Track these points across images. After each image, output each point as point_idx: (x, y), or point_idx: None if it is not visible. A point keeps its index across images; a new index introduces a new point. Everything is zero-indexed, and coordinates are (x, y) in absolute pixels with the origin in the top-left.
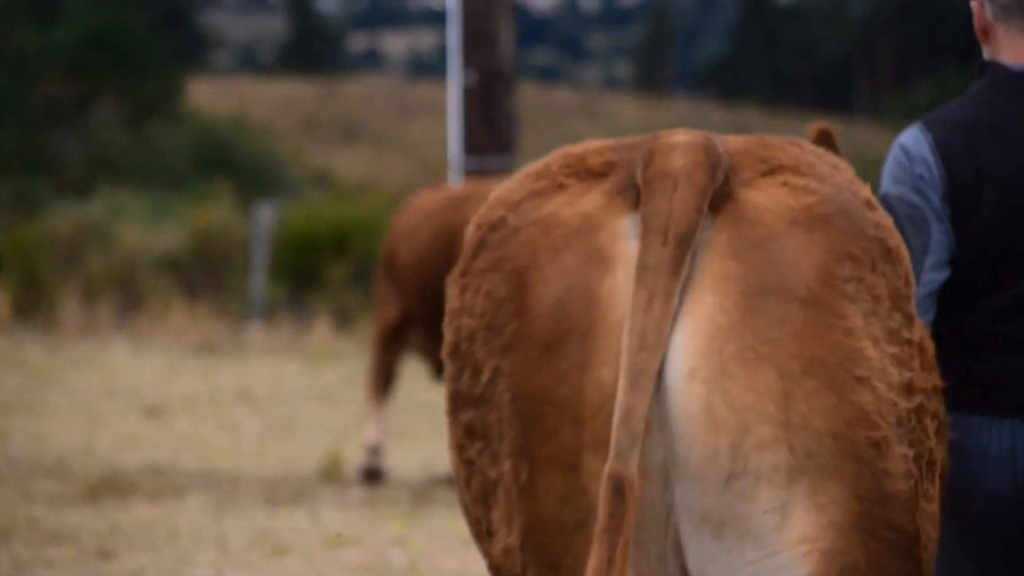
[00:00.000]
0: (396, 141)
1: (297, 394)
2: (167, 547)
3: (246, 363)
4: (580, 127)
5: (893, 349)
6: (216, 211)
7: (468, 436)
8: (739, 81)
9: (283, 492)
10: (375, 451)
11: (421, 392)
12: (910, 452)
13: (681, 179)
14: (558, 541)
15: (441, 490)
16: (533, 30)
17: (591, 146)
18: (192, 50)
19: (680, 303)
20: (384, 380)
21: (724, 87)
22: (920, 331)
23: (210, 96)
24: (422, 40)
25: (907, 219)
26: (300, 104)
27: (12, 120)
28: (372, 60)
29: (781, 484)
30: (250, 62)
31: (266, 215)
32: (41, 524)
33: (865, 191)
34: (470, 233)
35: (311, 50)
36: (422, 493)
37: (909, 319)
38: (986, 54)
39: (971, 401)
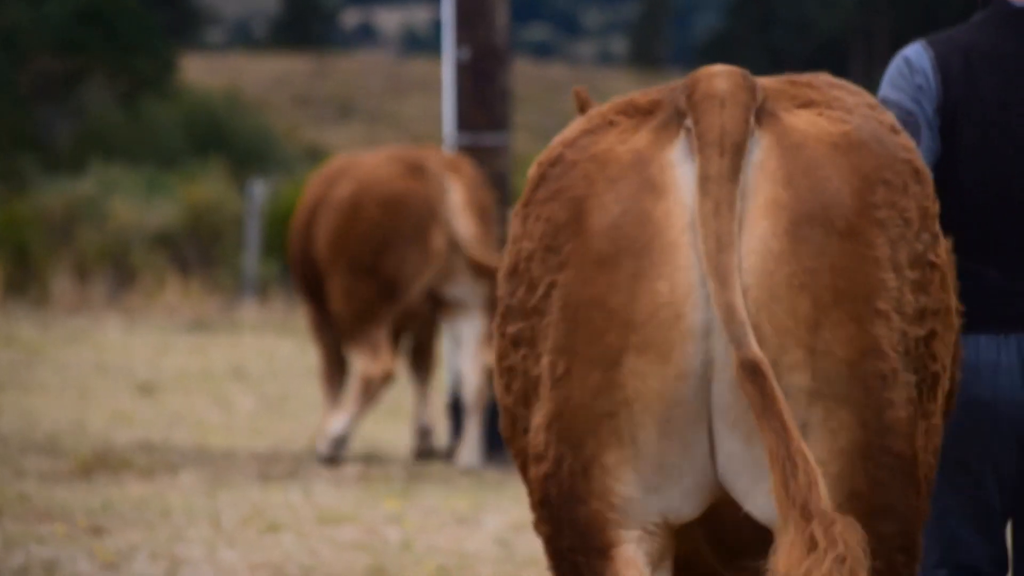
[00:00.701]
0: (390, 117)
1: (290, 371)
2: (160, 524)
3: (239, 340)
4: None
5: (915, 275)
6: (209, 187)
7: (514, 345)
8: (734, 58)
9: (276, 469)
10: (339, 442)
11: None
12: (913, 378)
13: (728, 99)
14: (585, 426)
15: (435, 467)
16: (527, 5)
17: (648, 91)
18: (185, 26)
19: (737, 226)
20: (331, 369)
21: (719, 63)
22: (944, 249)
23: (203, 72)
24: (416, 16)
25: (901, 124)
26: (293, 80)
27: (3, 96)
28: (366, 36)
29: (803, 405)
30: (243, 38)
31: (259, 191)
32: (32, 501)
33: (889, 117)
34: (532, 170)
35: (304, 26)
36: (416, 470)
37: (935, 238)
38: None
39: (975, 321)
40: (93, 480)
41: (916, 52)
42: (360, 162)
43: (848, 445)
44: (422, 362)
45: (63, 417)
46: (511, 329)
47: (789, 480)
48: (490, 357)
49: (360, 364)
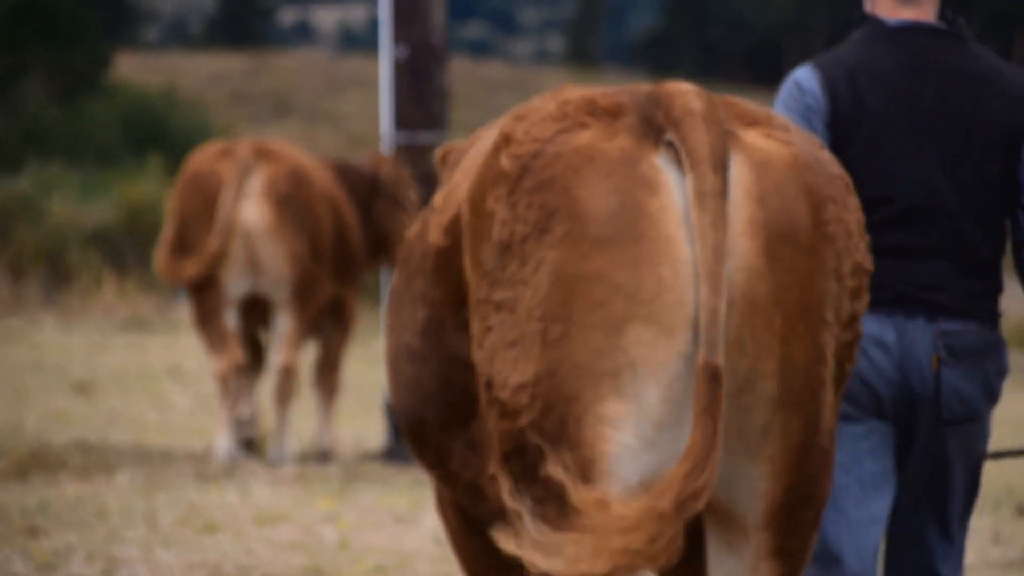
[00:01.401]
0: (327, 115)
1: None
2: (96, 524)
3: (176, 339)
4: (512, 101)
5: (853, 283)
6: (146, 186)
7: (496, 310)
8: (671, 55)
9: (213, 469)
10: (247, 423)
11: (351, 370)
12: (837, 379)
13: (707, 119)
14: (585, 382)
15: (372, 467)
16: (464, 4)
17: (592, 91)
18: (122, 23)
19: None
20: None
21: (656, 61)
22: (871, 261)
23: (140, 70)
24: (352, 13)
25: None
26: (230, 78)
27: None
28: (303, 33)
29: (770, 410)
30: (180, 36)
31: None
32: None
33: (815, 138)
34: (508, 164)
35: (241, 23)
36: (353, 470)
37: (867, 245)
38: (867, 7)
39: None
40: (29, 480)
41: (805, 74)
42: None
43: (794, 445)
44: (256, 356)
45: None
46: (498, 296)
47: (693, 473)
48: (289, 356)
49: (210, 362)
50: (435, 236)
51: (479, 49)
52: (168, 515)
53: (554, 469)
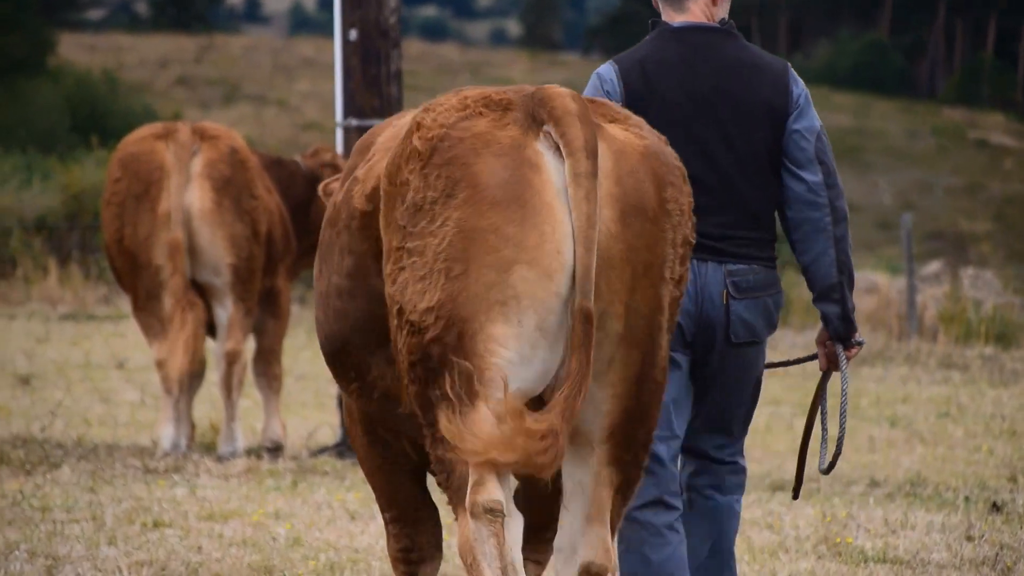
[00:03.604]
0: (277, 99)
1: None
2: (39, 521)
3: (121, 330)
4: (467, 84)
5: (682, 251)
6: (90, 172)
7: (408, 254)
8: (626, 39)
9: (160, 463)
10: (170, 444)
11: (304, 364)
12: (669, 325)
13: (581, 117)
14: (479, 307)
15: (325, 461)
16: None
17: (486, 89)
18: (63, 4)
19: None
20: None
21: (611, 45)
22: (695, 235)
23: (83, 52)
24: None
25: None
26: (178, 61)
27: None
28: (252, 15)
29: (615, 344)
30: (125, 17)
31: None
32: None
33: (660, 135)
34: (421, 143)
35: (189, 5)
36: (305, 464)
37: (693, 226)
38: (662, 16)
39: None
40: None
41: (605, 68)
42: None
43: (633, 375)
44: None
45: None
46: (410, 244)
47: (572, 395)
48: (235, 343)
49: (151, 350)
50: (359, 201)
51: (434, 32)
52: (113, 511)
53: (452, 386)
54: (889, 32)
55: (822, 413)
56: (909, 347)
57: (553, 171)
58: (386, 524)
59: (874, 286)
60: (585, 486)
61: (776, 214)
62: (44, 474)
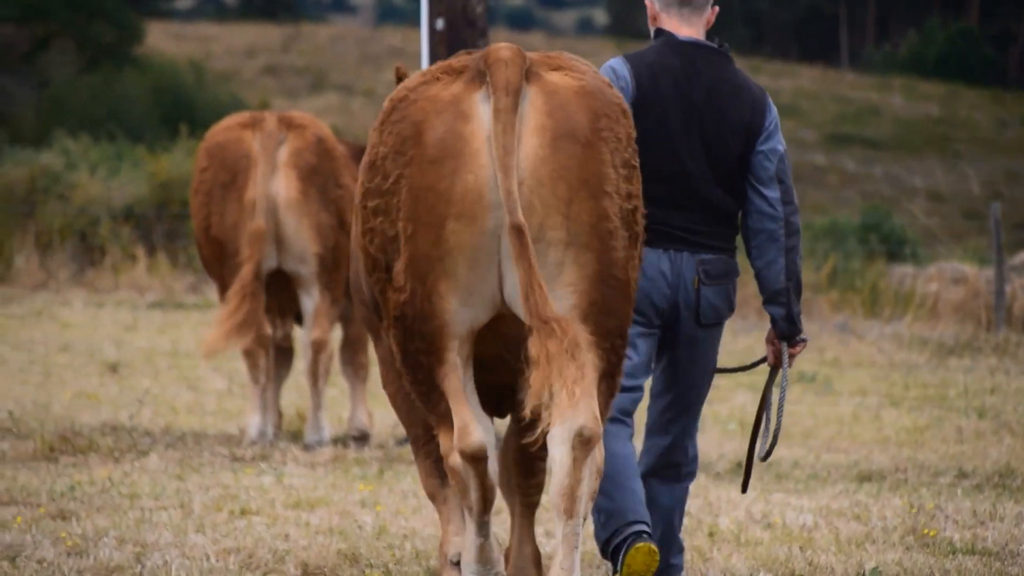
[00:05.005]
0: (363, 89)
1: None
2: (127, 508)
3: (208, 318)
4: None
5: (624, 172)
6: (177, 161)
7: (374, 214)
8: (712, 29)
9: (248, 451)
10: (260, 435)
11: None
12: (626, 234)
13: (510, 62)
14: (428, 266)
15: (410, 450)
16: None
17: (456, 59)
18: None
19: (516, 141)
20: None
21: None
22: (637, 160)
23: (170, 41)
24: None
25: None
26: (265, 50)
27: None
28: (339, 4)
29: (560, 250)
30: (213, 6)
31: None
32: None
33: (605, 78)
34: (386, 103)
35: None
36: (391, 454)
37: (634, 152)
38: (651, 24)
39: (649, 240)
40: (58, 463)
41: (619, 63)
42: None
43: (591, 273)
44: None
45: (26, 397)
46: (372, 204)
47: (530, 297)
48: (321, 331)
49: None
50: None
51: (521, 21)
52: (201, 499)
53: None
54: (978, 21)
55: (767, 406)
56: (997, 338)
57: (484, 118)
58: (414, 444)
59: (962, 276)
60: None
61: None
62: (132, 462)
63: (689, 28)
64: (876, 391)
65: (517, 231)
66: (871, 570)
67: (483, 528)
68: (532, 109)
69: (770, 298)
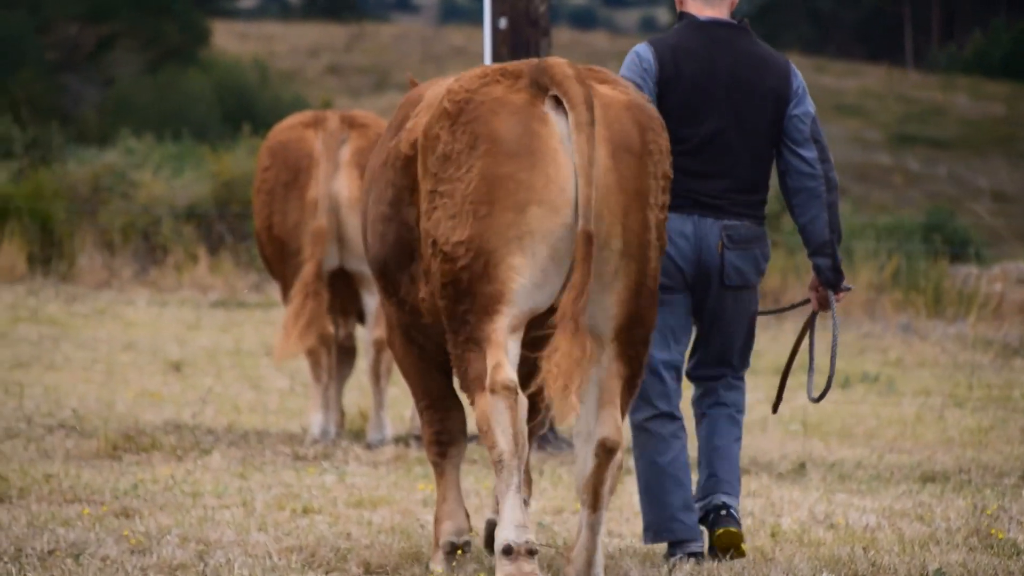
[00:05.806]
0: None
1: None
2: (190, 506)
3: (271, 317)
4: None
5: (663, 183)
6: (240, 160)
7: (440, 196)
8: (774, 27)
9: (310, 450)
10: (323, 433)
11: None
12: (658, 243)
13: (577, 79)
14: (501, 240)
15: (472, 450)
16: None
17: (505, 63)
18: None
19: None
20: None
21: (760, 32)
22: (672, 172)
23: (234, 41)
24: None
25: None
26: (328, 49)
27: (29, 65)
28: (403, 3)
29: (617, 258)
30: (277, 6)
31: None
32: (59, 482)
33: (644, 94)
34: (449, 105)
35: None
36: None
37: (671, 165)
38: (680, 7)
39: (675, 206)
40: (121, 461)
41: (643, 48)
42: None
43: (632, 283)
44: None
45: (90, 395)
46: (441, 188)
47: (576, 301)
48: (381, 332)
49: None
50: (405, 146)
51: (584, 20)
52: (263, 497)
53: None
54: None
55: (810, 346)
56: None
57: (556, 124)
58: (420, 413)
59: None
60: (598, 380)
61: (769, 182)
62: (195, 460)
63: (712, 10)
64: (940, 391)
65: (587, 238)
66: (935, 571)
67: (514, 476)
68: (597, 121)
69: (816, 250)
